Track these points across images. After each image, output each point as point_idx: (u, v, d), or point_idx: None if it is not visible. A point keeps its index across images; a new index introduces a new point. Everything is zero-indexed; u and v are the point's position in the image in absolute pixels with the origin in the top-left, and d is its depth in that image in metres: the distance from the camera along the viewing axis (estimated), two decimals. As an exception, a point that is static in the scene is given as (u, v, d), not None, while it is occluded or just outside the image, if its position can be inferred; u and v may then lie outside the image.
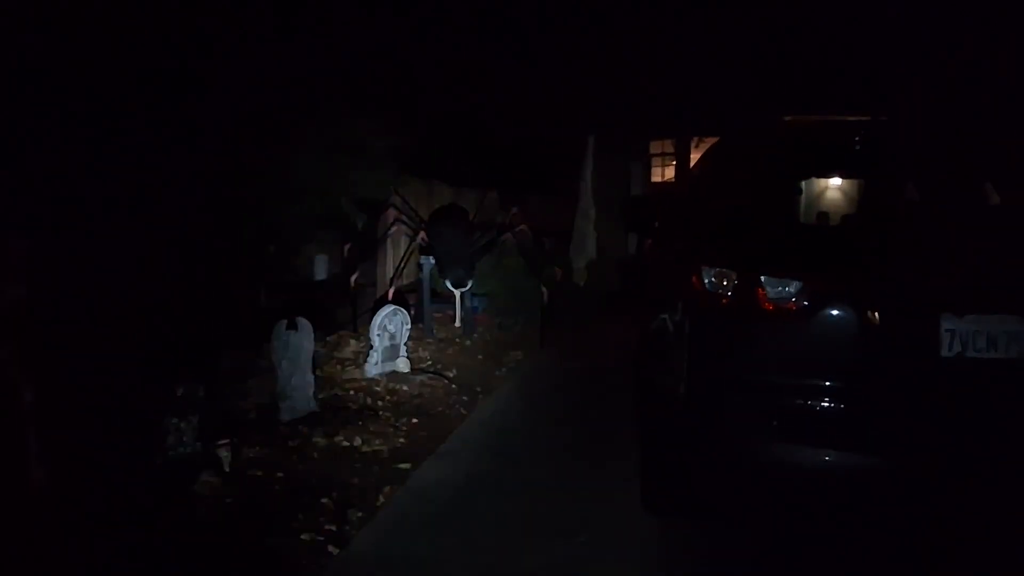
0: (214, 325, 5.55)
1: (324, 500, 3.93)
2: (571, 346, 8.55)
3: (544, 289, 9.14)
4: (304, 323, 5.60)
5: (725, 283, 3.00)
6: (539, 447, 5.01)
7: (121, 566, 3.20)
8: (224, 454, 4.34)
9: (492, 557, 3.39)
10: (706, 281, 3.06)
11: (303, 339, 5.59)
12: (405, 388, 6.22)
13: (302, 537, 3.50)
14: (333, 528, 3.61)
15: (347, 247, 8.44)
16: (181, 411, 4.25)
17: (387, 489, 4.11)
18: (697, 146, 13.16)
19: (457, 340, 8.18)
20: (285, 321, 5.55)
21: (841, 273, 2.96)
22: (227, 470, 4.28)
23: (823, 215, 5.87)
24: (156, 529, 3.52)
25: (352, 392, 6.04)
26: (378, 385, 6.25)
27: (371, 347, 6.58)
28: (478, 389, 6.41)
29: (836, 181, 6.59)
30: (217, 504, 3.86)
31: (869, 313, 2.86)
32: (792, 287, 2.88)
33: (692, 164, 11.61)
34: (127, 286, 4.53)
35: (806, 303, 2.88)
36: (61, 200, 4.11)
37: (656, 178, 14.45)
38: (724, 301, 3.02)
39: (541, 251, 10.02)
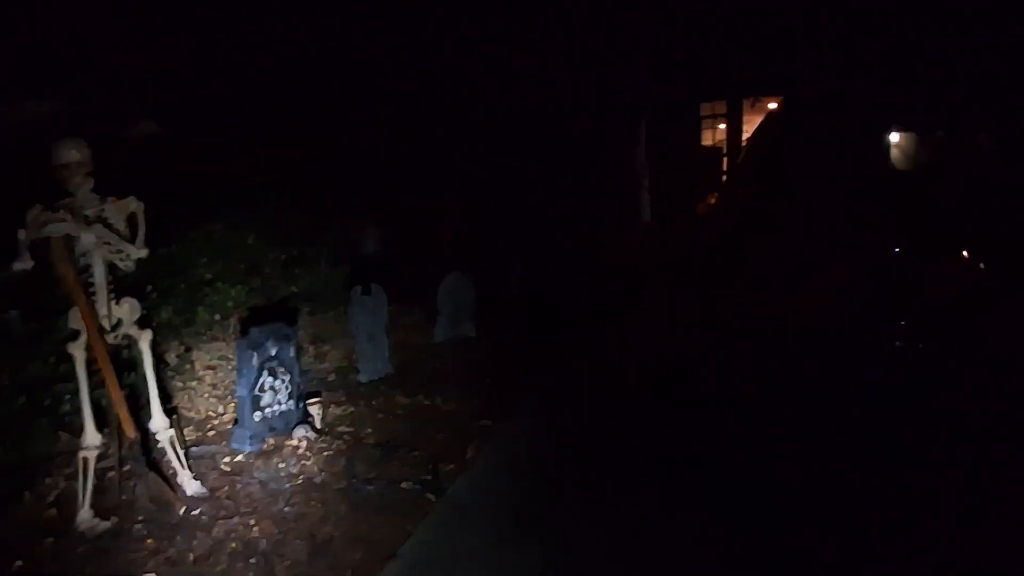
0: (300, 291, 5.75)
1: (415, 453, 4.10)
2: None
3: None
4: (379, 288, 5.78)
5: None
6: (606, 403, 5.12)
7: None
8: (315, 411, 4.56)
9: (582, 503, 3.53)
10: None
11: (378, 304, 5.77)
12: (474, 352, 6.37)
13: (402, 486, 3.68)
14: (429, 478, 3.78)
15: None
16: (274, 370, 4.46)
17: (473, 443, 4.27)
18: (753, 106, 12.86)
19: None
20: (360, 287, 5.74)
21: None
22: (319, 426, 4.49)
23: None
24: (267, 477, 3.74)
25: (423, 356, 6.21)
26: (447, 349, 6.41)
27: (439, 313, 6.73)
28: (546, 353, 6.50)
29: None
30: (316, 455, 4.07)
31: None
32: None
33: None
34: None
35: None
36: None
37: (706, 141, 14.22)
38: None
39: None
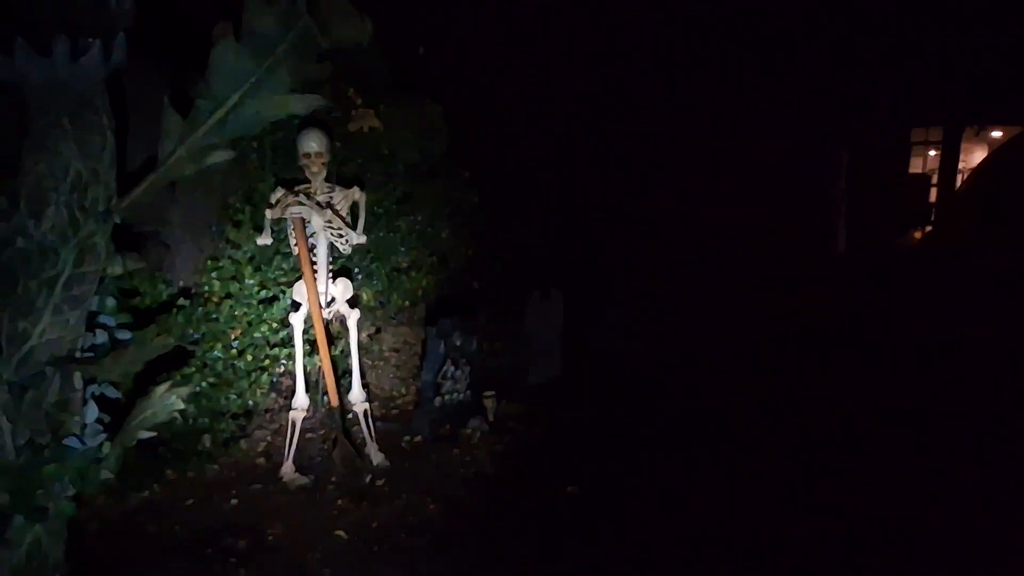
0: (482, 287, 6.00)
1: (582, 457, 4.13)
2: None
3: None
4: (557, 293, 5.88)
5: None
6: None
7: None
8: (489, 404, 4.73)
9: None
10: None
11: (555, 308, 5.88)
12: (644, 361, 6.28)
13: (568, 489, 3.72)
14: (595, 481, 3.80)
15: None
16: (456, 360, 4.69)
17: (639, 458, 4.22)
18: (978, 134, 11.57)
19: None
20: (539, 291, 5.87)
21: None
22: (491, 419, 4.66)
23: None
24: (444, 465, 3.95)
25: (593, 361, 6.22)
26: (618, 357, 6.37)
27: (614, 320, 6.72)
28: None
29: None
30: (489, 447, 4.23)
31: None
32: None
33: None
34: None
35: None
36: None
37: (915, 168, 12.99)
38: None
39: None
